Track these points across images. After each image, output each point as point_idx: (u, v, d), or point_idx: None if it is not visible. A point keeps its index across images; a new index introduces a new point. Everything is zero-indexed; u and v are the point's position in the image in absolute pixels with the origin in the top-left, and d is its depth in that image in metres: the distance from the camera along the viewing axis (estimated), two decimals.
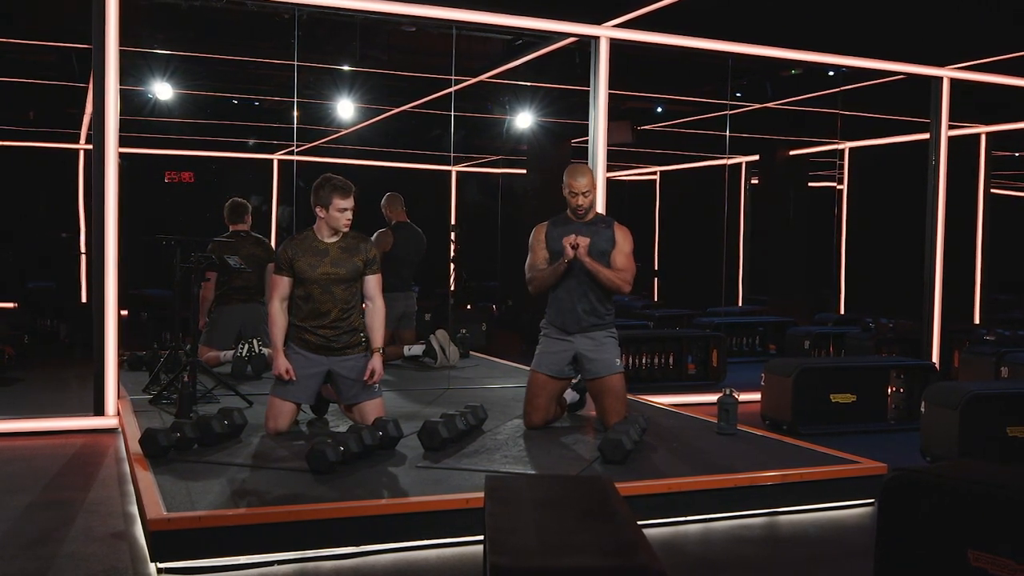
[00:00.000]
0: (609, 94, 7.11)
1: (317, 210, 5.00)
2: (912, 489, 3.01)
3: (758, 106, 10.18)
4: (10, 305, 11.62)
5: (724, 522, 4.22)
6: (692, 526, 4.16)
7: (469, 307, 12.91)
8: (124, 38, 6.06)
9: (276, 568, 3.52)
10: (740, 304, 13.11)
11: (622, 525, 2.43)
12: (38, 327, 10.23)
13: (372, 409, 5.12)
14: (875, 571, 3.10)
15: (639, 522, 4.04)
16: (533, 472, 4.38)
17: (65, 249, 11.81)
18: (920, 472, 3.05)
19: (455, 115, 8.58)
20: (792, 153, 12.74)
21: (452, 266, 13.68)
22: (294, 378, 5.00)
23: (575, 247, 5.02)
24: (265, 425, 5.11)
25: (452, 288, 13.83)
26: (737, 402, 5.34)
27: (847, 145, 12.17)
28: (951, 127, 8.47)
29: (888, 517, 3.05)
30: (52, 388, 7.33)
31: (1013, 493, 2.77)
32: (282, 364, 4.99)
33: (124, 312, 10.88)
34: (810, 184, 13.06)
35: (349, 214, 4.97)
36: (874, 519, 3.07)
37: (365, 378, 5.07)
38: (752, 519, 4.28)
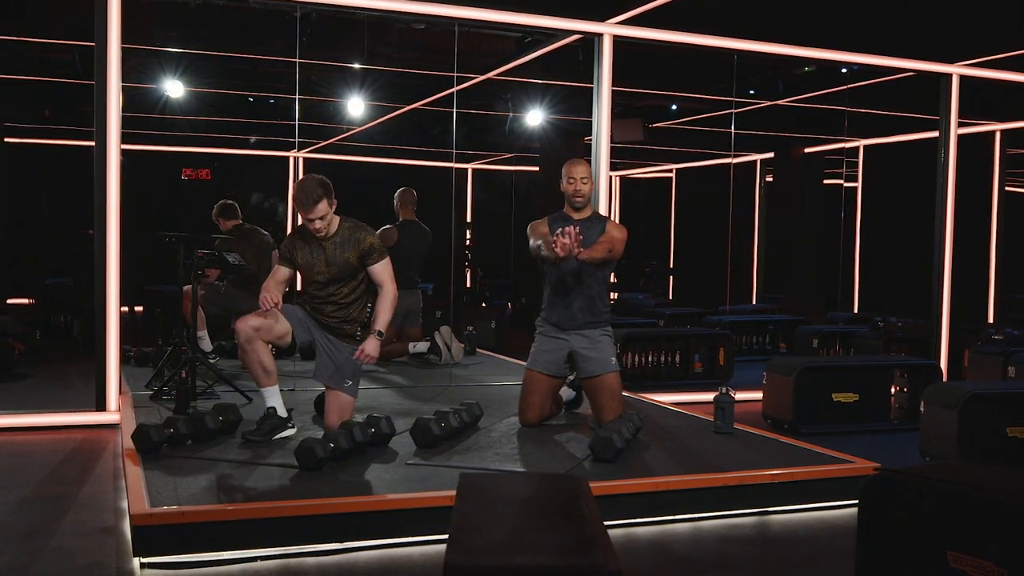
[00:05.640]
0: (617, 92, 7.11)
1: None
2: (893, 490, 2.98)
3: (763, 104, 10.10)
4: (27, 301, 11.72)
5: (714, 521, 4.19)
6: (681, 525, 4.14)
7: (484, 304, 12.91)
8: (139, 37, 6.07)
9: (259, 564, 3.53)
10: (754, 302, 13.03)
11: (586, 524, 2.42)
12: (52, 323, 10.31)
13: (334, 401, 4.98)
14: (856, 572, 3.07)
15: (628, 521, 4.06)
16: (522, 470, 4.37)
17: (83, 246, 11.89)
18: (901, 473, 3.02)
19: (460, 112, 8.57)
20: (807, 151, 12.65)
21: (466, 263, 13.72)
22: (277, 306, 4.74)
23: (570, 248, 4.98)
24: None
25: (468, 285, 13.86)
26: (734, 401, 5.29)
27: (861, 143, 12.06)
28: (965, 124, 8.36)
29: (869, 518, 3.02)
30: (59, 384, 7.39)
31: (993, 495, 2.74)
32: (267, 293, 4.74)
33: (139, 308, 11.01)
34: (825, 182, 12.96)
35: (317, 223, 4.84)
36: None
37: (355, 356, 4.91)
38: (742, 519, 4.25)
